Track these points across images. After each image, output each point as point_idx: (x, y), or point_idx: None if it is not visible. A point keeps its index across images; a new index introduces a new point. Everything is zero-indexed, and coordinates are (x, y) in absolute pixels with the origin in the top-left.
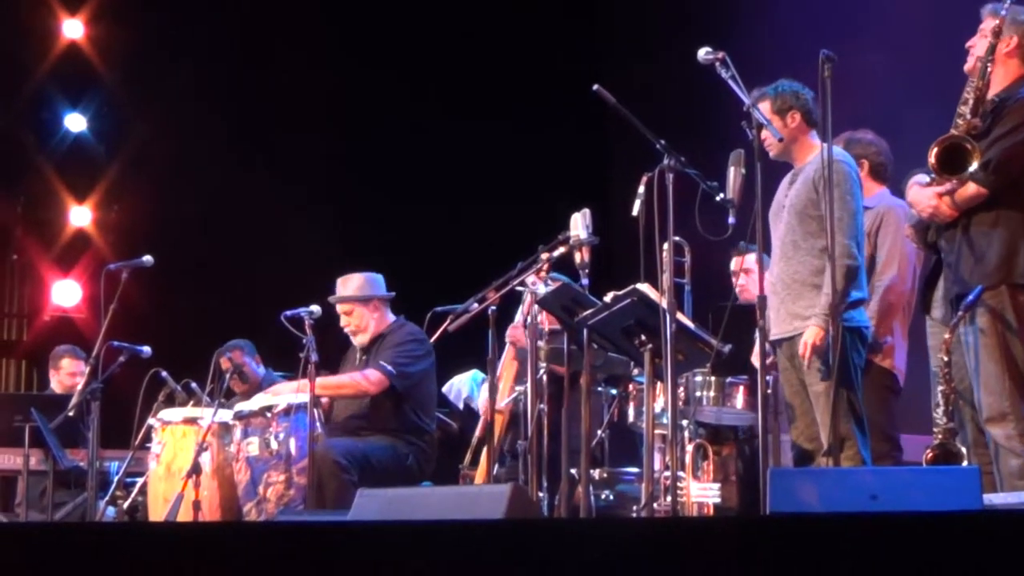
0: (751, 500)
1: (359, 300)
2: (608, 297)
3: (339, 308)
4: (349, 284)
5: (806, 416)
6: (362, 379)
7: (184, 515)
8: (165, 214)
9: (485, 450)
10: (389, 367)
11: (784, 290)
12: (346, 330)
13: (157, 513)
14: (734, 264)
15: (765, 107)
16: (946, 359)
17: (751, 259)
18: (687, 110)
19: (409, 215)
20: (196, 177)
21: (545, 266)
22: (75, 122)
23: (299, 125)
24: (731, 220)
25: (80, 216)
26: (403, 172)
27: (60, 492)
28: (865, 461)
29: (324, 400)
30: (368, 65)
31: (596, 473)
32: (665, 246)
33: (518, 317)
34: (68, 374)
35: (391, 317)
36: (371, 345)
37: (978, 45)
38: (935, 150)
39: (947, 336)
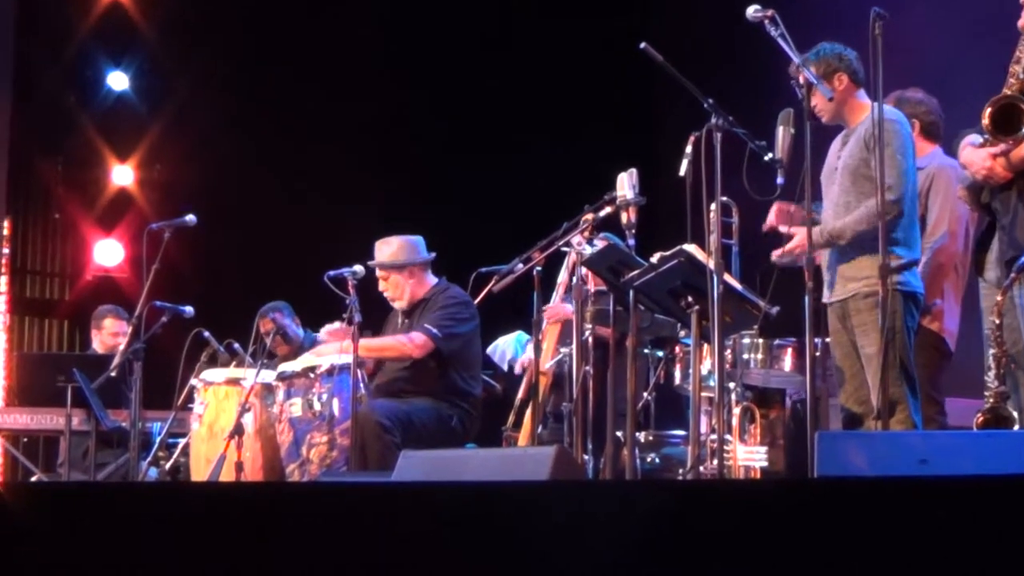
0: (798, 464)
1: (394, 267)
2: (655, 258)
3: (377, 273)
4: (385, 249)
5: (856, 379)
6: (407, 342)
7: (226, 476)
8: (208, 173)
9: (529, 412)
10: (434, 330)
11: (837, 252)
12: (384, 295)
13: (199, 474)
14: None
15: (808, 75)
16: (997, 322)
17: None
18: (735, 69)
19: (454, 174)
20: (239, 135)
21: (591, 226)
22: (117, 80)
23: (344, 81)
24: (779, 180)
25: (122, 175)
26: (448, 131)
27: (102, 452)
28: (916, 425)
29: (368, 361)
30: (415, 19)
31: (641, 436)
32: (712, 206)
33: (561, 278)
34: (111, 334)
35: (432, 280)
36: (413, 309)
37: None
38: (989, 110)
39: (999, 299)
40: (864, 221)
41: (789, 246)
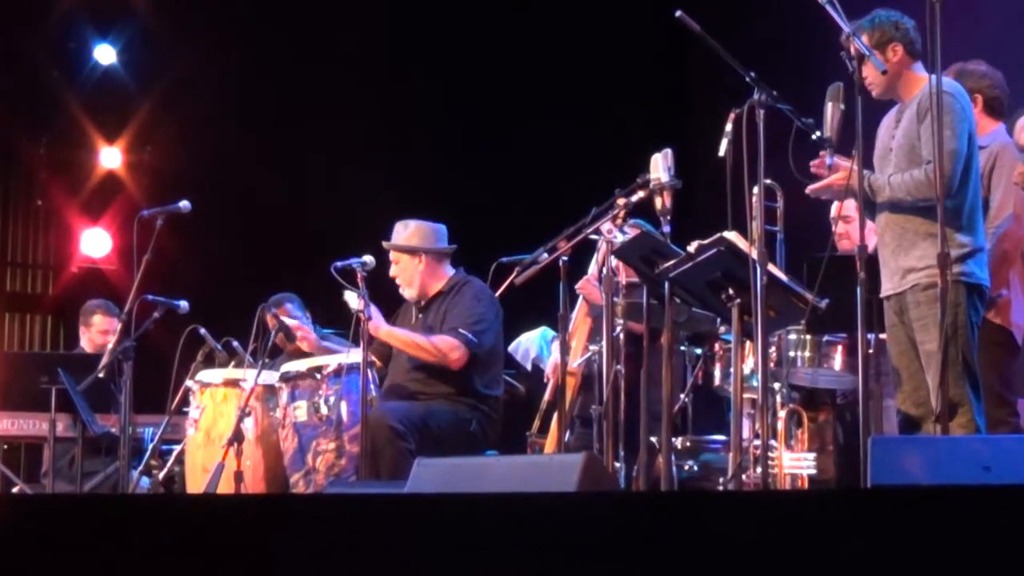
0: (850, 471)
1: (406, 250)
2: (692, 247)
3: (390, 255)
4: (402, 231)
5: (914, 379)
6: (447, 349)
7: (225, 486)
8: (204, 155)
9: (555, 416)
10: (471, 336)
11: (894, 241)
12: (395, 280)
13: (196, 484)
14: (833, 210)
15: (859, 45)
16: None
17: (851, 204)
18: (779, 39)
19: (473, 156)
20: (237, 115)
21: (622, 212)
22: (105, 54)
23: (354, 57)
24: (829, 161)
25: (110, 158)
26: (466, 109)
27: (90, 461)
28: (980, 429)
29: (378, 362)
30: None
31: (678, 441)
32: (755, 190)
33: (592, 268)
34: (99, 331)
35: (448, 271)
36: (429, 303)
37: None
38: None
39: None
40: (904, 189)
41: (830, 179)
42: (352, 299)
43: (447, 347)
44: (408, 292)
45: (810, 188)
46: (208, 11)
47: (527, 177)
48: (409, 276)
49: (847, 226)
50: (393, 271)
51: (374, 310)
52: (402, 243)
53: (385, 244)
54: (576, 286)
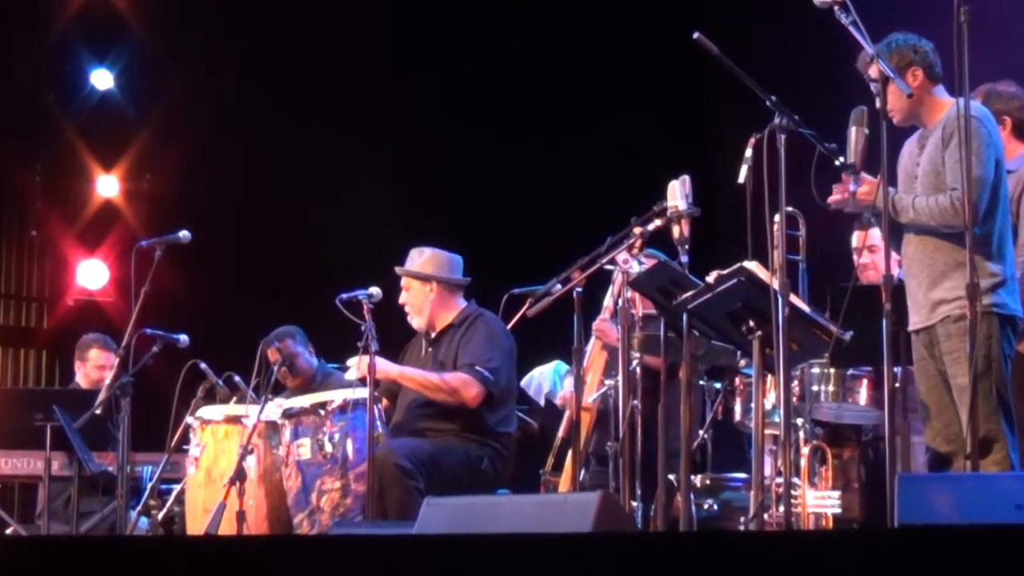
0: (876, 510)
1: (418, 278)
2: (711, 277)
3: (401, 282)
4: (416, 257)
5: (944, 414)
6: (461, 386)
7: (227, 527)
8: (204, 183)
9: (570, 453)
10: (486, 373)
11: (923, 272)
12: (404, 307)
13: (196, 525)
14: (856, 239)
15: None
16: None
17: (876, 234)
18: (801, 61)
19: (483, 184)
20: (239, 142)
21: (638, 241)
22: (101, 78)
23: (359, 80)
24: (853, 187)
25: (107, 186)
26: (477, 134)
27: (86, 501)
28: (1014, 466)
29: (384, 404)
30: (436, 8)
31: (697, 479)
32: (776, 218)
33: (607, 301)
34: (96, 367)
35: (460, 303)
36: (440, 336)
37: None
38: None
39: None
40: (928, 213)
41: (855, 189)
42: (352, 373)
43: (461, 384)
44: (416, 321)
45: (832, 198)
46: (208, 34)
47: (540, 205)
48: (419, 304)
49: (872, 255)
50: (403, 298)
51: (385, 361)
52: (415, 269)
53: (397, 269)
54: (592, 326)
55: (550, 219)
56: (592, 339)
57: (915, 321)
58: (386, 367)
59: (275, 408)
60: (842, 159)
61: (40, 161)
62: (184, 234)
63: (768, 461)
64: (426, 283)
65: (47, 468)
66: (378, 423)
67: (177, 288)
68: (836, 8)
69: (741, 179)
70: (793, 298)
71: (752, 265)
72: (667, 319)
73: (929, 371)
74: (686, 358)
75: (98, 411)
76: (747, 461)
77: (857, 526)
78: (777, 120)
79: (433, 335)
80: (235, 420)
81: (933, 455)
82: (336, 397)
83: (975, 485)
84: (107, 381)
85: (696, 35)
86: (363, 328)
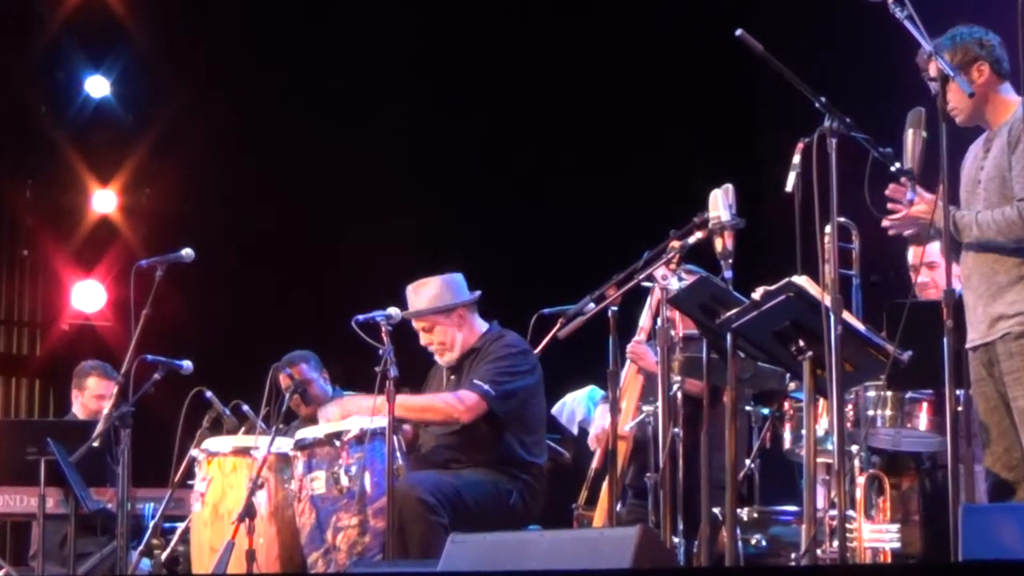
0: (938, 545)
1: (439, 312)
2: (757, 293)
3: (416, 324)
4: (422, 293)
5: (1004, 438)
6: (455, 401)
7: (235, 568)
8: (207, 198)
9: (605, 485)
10: (485, 387)
11: (982, 284)
12: (429, 349)
13: (202, 565)
14: (912, 256)
15: (939, 66)
16: None
17: (935, 249)
18: (852, 60)
19: (508, 195)
20: (245, 153)
21: (678, 256)
22: (97, 86)
23: (369, 88)
24: (910, 196)
25: (104, 202)
26: (498, 141)
27: (84, 541)
28: None
29: (407, 425)
30: (457, 10)
31: (744, 513)
32: (827, 229)
33: (643, 321)
34: (95, 396)
35: (482, 325)
36: (461, 362)
37: None
38: None
39: None
40: (995, 228)
41: (911, 210)
42: (331, 414)
43: (455, 400)
44: (449, 357)
45: (887, 220)
46: (210, 38)
47: (571, 218)
48: (451, 339)
49: (932, 273)
50: (425, 340)
51: (350, 402)
52: (434, 305)
53: (407, 314)
54: (627, 349)
55: (582, 233)
56: (628, 362)
57: (973, 338)
58: (363, 405)
59: (287, 439)
60: (898, 165)
61: (31, 175)
62: (187, 252)
63: (820, 492)
64: (449, 314)
65: (41, 506)
66: (398, 454)
67: (180, 311)
68: (890, 3)
69: (789, 187)
70: (846, 315)
71: (802, 280)
72: (710, 340)
73: (988, 392)
74: (731, 382)
75: (96, 444)
76: (798, 493)
77: (918, 562)
78: (827, 123)
79: (455, 363)
80: (244, 452)
81: (993, 482)
82: (352, 427)
83: None
84: (105, 411)
85: (739, 32)
86: (381, 352)
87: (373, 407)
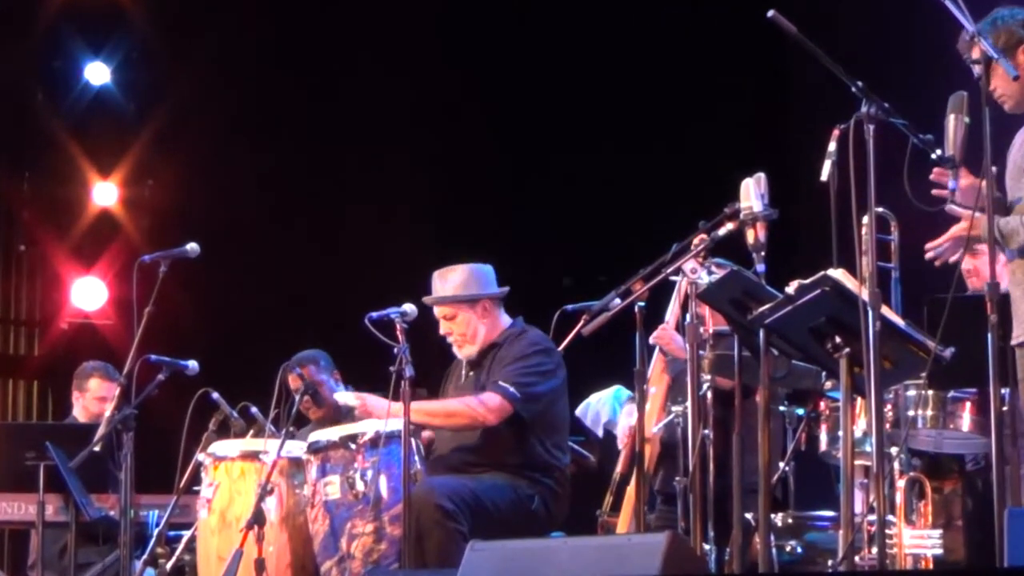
0: (983, 550)
1: (464, 301)
2: (791, 287)
3: (437, 312)
4: (449, 280)
5: None
6: (478, 405)
7: None
8: (213, 191)
9: (630, 490)
10: (511, 389)
11: None
12: (448, 339)
13: (209, 575)
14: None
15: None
16: None
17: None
18: (890, 43)
19: (529, 186)
20: (251, 144)
21: (708, 248)
22: (97, 73)
23: (383, 72)
24: (952, 185)
25: (104, 194)
26: (519, 129)
27: (85, 550)
28: None
29: (426, 433)
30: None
31: (778, 518)
32: (865, 220)
33: (669, 314)
34: (96, 398)
35: (506, 320)
36: (482, 357)
37: None
38: None
39: None
40: None
41: (949, 233)
42: (348, 397)
43: (477, 403)
44: (468, 350)
45: (930, 248)
46: (217, 23)
47: (596, 210)
48: (472, 331)
49: (975, 260)
50: (445, 329)
51: (370, 399)
52: (459, 293)
53: (430, 299)
54: (651, 337)
55: (607, 226)
56: (654, 359)
57: (1019, 334)
58: (380, 407)
59: (297, 442)
60: (939, 152)
61: (29, 167)
62: (192, 247)
63: (859, 496)
64: (474, 305)
65: (40, 513)
66: (415, 458)
67: (185, 308)
68: None
69: (824, 176)
70: (885, 310)
71: (838, 274)
72: (741, 336)
73: None
74: (763, 380)
75: (97, 448)
76: (834, 497)
77: (961, 569)
78: (865, 109)
79: (474, 357)
80: (252, 456)
81: None
82: (367, 429)
83: None
84: (107, 414)
85: (771, 13)
86: (396, 351)
87: (387, 410)
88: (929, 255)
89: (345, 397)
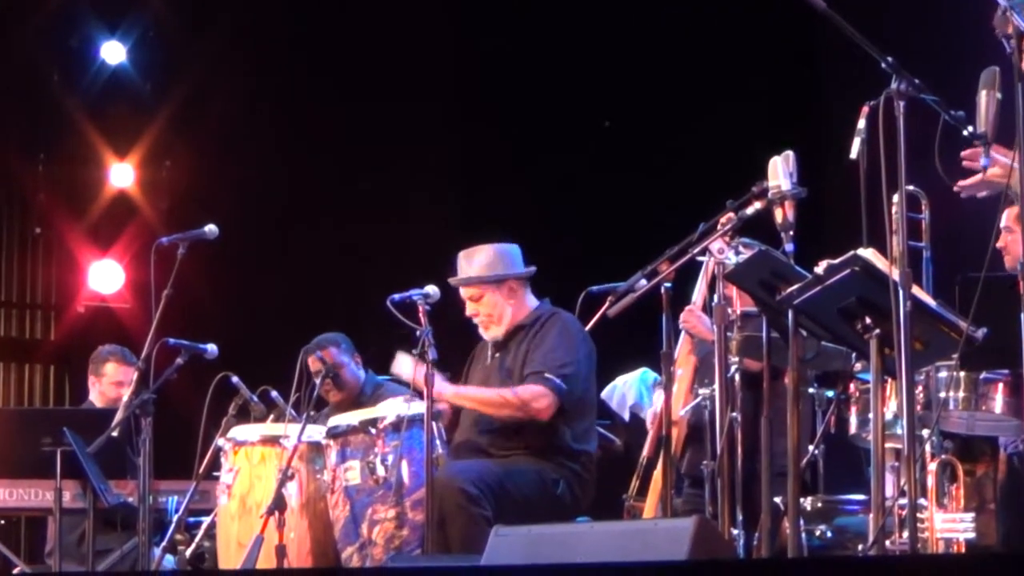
0: (1016, 534)
1: (490, 282)
2: (820, 267)
3: (464, 293)
4: (475, 260)
5: None
6: (530, 399)
7: (264, 563)
8: (231, 172)
9: (658, 474)
10: (557, 380)
11: None
12: (475, 320)
13: (229, 561)
14: (1005, 218)
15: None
16: None
17: (1012, 213)
18: (921, 18)
19: (551, 166)
20: (271, 124)
21: (735, 228)
22: (113, 52)
23: (406, 46)
24: (984, 162)
25: (121, 176)
26: (545, 106)
27: (103, 537)
28: None
29: (444, 408)
30: None
31: (808, 502)
32: (895, 198)
33: (696, 294)
34: (113, 383)
35: (532, 302)
36: (508, 340)
37: None
38: None
39: None
40: None
41: (987, 174)
42: (406, 365)
43: (530, 396)
44: (495, 331)
45: (960, 184)
46: (232, 4)
47: (621, 190)
48: (499, 312)
49: (1009, 238)
50: (472, 310)
51: (437, 378)
52: (485, 273)
53: (455, 281)
54: (680, 318)
55: (633, 205)
56: (680, 341)
57: None
58: (440, 387)
59: (317, 427)
60: (971, 129)
61: (44, 148)
62: (210, 229)
63: (889, 480)
64: (500, 285)
65: (58, 500)
66: (437, 442)
67: (203, 291)
68: None
69: (854, 154)
70: (916, 290)
71: (868, 253)
72: (769, 317)
73: None
74: (792, 362)
75: (115, 433)
76: (865, 480)
77: (994, 553)
78: (895, 85)
79: (500, 339)
80: (272, 441)
81: None
82: (388, 413)
83: None
84: (125, 399)
85: None
86: (419, 334)
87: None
88: (959, 188)
89: (403, 365)
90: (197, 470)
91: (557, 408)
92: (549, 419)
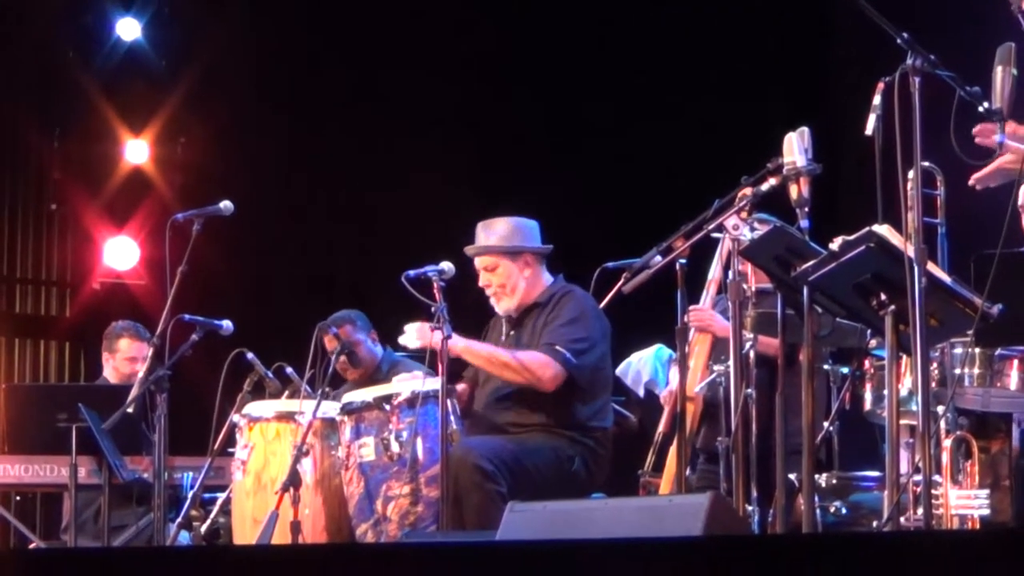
0: None
1: (505, 253)
2: (835, 244)
3: (479, 263)
4: (494, 230)
5: None
6: (537, 367)
7: (279, 539)
8: (246, 148)
9: (673, 450)
10: (568, 354)
11: None
12: (487, 291)
13: (244, 537)
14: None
15: None
16: None
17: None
18: None
19: (568, 141)
20: (286, 100)
21: (750, 204)
22: (128, 28)
23: (424, 25)
24: (1000, 138)
25: (136, 152)
26: (559, 82)
27: (119, 513)
28: None
29: (461, 387)
30: None
31: (822, 479)
32: (911, 174)
33: (712, 272)
34: (127, 359)
35: (547, 279)
36: (523, 316)
37: None
38: None
39: None
40: None
41: (998, 161)
42: (411, 338)
43: (537, 365)
44: (507, 304)
45: (974, 177)
46: None
47: (636, 166)
48: (513, 284)
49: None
50: (485, 280)
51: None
52: (503, 244)
53: (471, 249)
54: (690, 319)
55: (648, 181)
56: None
57: None
58: (451, 342)
59: (333, 404)
60: (986, 104)
61: (59, 125)
62: (225, 205)
63: (904, 456)
64: (516, 257)
65: (73, 476)
66: (452, 418)
67: (218, 267)
68: None
69: (869, 130)
70: (931, 266)
71: (883, 229)
72: (784, 294)
73: None
74: (807, 339)
75: (130, 410)
76: (879, 457)
77: (1008, 529)
78: (910, 61)
79: (515, 316)
80: (288, 418)
81: None
82: (403, 390)
83: None
84: (140, 375)
85: None
86: (434, 310)
87: (470, 349)
88: (973, 181)
89: (409, 337)
90: (212, 446)
91: (565, 381)
92: (559, 393)
